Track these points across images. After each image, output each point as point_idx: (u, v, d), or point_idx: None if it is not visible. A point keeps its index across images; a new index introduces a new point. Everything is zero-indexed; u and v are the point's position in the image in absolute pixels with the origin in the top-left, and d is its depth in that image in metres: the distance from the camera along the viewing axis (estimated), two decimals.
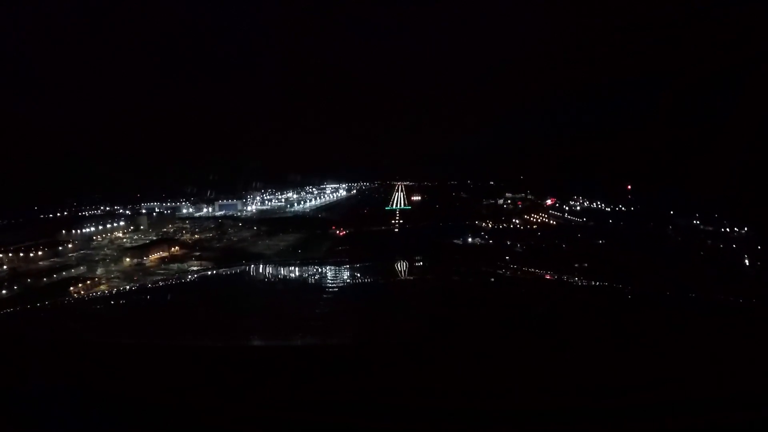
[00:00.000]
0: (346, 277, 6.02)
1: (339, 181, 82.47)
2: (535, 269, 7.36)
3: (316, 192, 75.08)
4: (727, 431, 1.71)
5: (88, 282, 26.93)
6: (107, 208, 50.30)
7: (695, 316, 3.64)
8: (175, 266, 31.82)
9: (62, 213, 47.10)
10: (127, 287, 5.19)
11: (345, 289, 5.25)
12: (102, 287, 26.61)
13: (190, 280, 6.48)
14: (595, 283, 5.84)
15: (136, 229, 45.30)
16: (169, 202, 58.12)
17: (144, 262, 33.40)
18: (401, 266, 6.62)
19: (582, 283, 5.81)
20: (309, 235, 38.70)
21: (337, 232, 41.19)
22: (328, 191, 77.26)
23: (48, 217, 46.02)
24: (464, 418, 1.80)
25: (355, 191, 79.56)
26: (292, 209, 61.00)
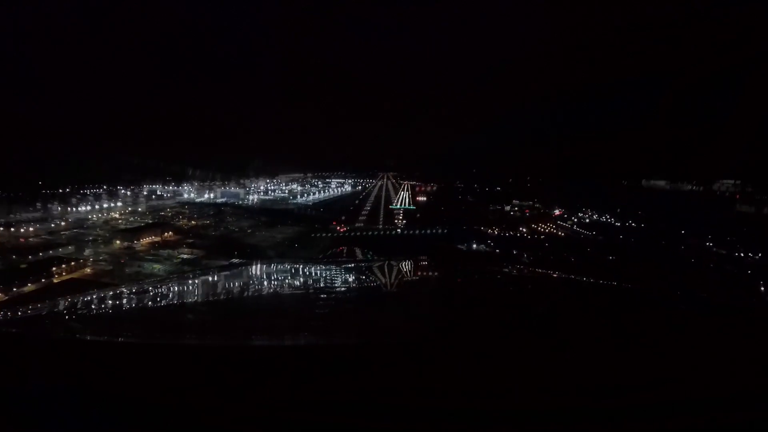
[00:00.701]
0: (346, 277, 6.07)
1: (345, 176, 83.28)
2: (536, 269, 7.38)
3: (321, 185, 76.06)
4: (727, 431, 1.75)
5: (73, 263, 27.02)
6: (109, 188, 50.69)
7: (695, 316, 3.68)
8: (165, 252, 31.93)
9: (63, 190, 47.37)
10: (124, 288, 5.20)
11: (345, 289, 5.30)
12: (87, 270, 26.71)
13: (188, 277, 6.56)
14: (595, 282, 5.87)
15: (134, 211, 45.63)
16: (173, 185, 58.73)
17: (134, 245, 33.50)
18: (402, 267, 6.66)
19: (582, 283, 5.84)
20: (308, 230, 38.72)
21: (338, 228, 41.24)
22: (333, 185, 78.05)
23: (49, 192, 46.30)
24: (464, 418, 1.84)
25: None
26: (295, 201, 61.27)
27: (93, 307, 4.72)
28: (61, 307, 4.42)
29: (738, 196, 47.39)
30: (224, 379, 2.24)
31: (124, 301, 4.90)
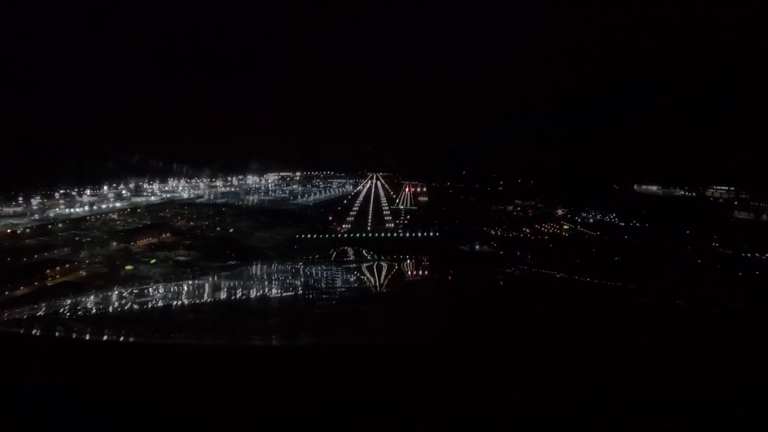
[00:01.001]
0: (347, 277, 6.10)
1: (346, 176, 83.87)
2: (538, 270, 7.41)
3: (322, 186, 76.69)
4: (727, 431, 1.78)
5: (67, 266, 27.02)
6: (106, 187, 51.05)
7: (695, 317, 3.73)
8: (162, 254, 31.98)
9: (62, 190, 47.59)
10: (120, 291, 5.25)
11: (346, 289, 5.33)
12: (81, 273, 26.73)
13: (184, 279, 6.61)
14: (596, 283, 5.90)
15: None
16: (173, 185, 59.31)
17: (131, 247, 33.53)
18: (404, 267, 6.70)
19: (583, 283, 5.87)
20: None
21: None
22: (334, 186, 78.57)
23: (47, 192, 46.43)
24: (464, 418, 1.87)
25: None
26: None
27: (90, 308, 4.77)
28: (58, 309, 4.47)
29: (736, 203, 47.59)
30: (224, 379, 2.28)
31: (121, 303, 4.96)
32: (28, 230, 35.93)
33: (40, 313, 3.86)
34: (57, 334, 3.27)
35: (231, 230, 40.82)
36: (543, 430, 1.85)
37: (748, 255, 32.47)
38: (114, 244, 34.10)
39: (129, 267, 28.63)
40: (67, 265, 27.44)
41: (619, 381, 2.20)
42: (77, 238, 35.27)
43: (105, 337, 3.22)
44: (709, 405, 1.95)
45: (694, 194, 54.10)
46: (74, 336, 3.25)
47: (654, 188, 58.32)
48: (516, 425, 1.86)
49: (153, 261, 30.42)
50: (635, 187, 59.68)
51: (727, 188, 50.04)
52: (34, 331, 3.30)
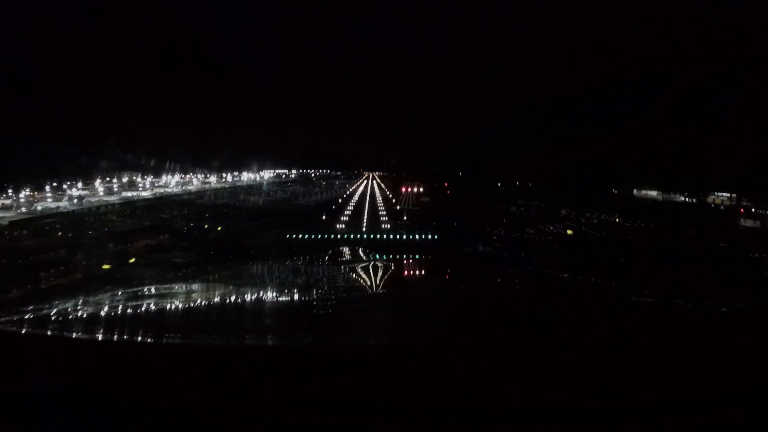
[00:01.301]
0: (347, 277, 6.14)
1: (343, 176, 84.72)
2: (540, 270, 7.44)
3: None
4: (727, 431, 1.82)
5: (62, 268, 27.04)
6: (105, 187, 51.41)
7: (695, 317, 3.77)
8: (159, 256, 32.05)
9: (58, 191, 47.85)
10: (118, 292, 5.29)
11: (345, 290, 5.37)
12: (77, 275, 26.79)
13: (182, 281, 6.65)
14: (597, 282, 5.94)
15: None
16: (174, 186, 59.81)
17: (128, 249, 33.59)
18: (405, 268, 6.75)
19: (583, 283, 5.90)
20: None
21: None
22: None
23: (37, 185, 46.69)
24: (464, 418, 1.90)
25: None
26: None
27: (88, 309, 4.82)
28: (57, 310, 4.52)
29: (742, 210, 47.46)
30: (224, 379, 2.32)
31: (120, 304, 5.01)
32: (15, 227, 36.01)
33: (39, 313, 3.91)
34: (57, 334, 3.31)
35: (231, 232, 40.90)
36: (543, 430, 1.88)
37: (756, 255, 32.37)
38: (111, 245, 34.13)
39: (150, 271, 28.63)
40: (61, 267, 27.47)
41: (619, 381, 2.23)
42: (61, 234, 35.34)
43: (105, 338, 3.26)
44: (709, 405, 1.98)
45: (694, 200, 54.26)
46: (74, 336, 3.29)
47: (653, 193, 58.36)
48: (516, 425, 1.89)
49: (173, 263, 30.41)
50: (634, 191, 59.77)
51: (729, 195, 50.03)
52: (34, 332, 3.34)
